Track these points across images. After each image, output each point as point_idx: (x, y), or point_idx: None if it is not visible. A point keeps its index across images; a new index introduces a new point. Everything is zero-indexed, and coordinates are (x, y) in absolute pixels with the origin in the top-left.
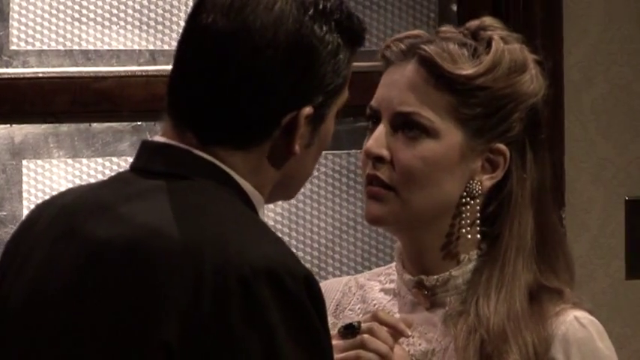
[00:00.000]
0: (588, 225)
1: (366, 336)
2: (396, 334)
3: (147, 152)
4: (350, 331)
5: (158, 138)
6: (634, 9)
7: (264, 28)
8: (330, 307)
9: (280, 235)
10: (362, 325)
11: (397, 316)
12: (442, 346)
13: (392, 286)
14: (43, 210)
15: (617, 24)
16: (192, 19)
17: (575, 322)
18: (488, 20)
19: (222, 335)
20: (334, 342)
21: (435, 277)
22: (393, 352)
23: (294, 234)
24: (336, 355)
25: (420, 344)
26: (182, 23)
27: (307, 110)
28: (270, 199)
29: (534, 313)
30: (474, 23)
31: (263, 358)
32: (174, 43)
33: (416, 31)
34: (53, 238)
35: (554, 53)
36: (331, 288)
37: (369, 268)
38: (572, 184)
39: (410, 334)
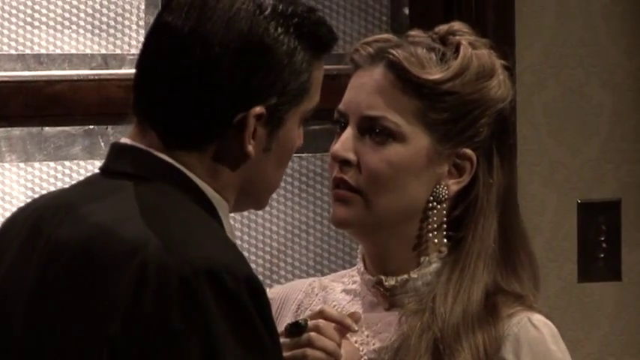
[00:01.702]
0: (541, 228)
1: (312, 334)
2: (344, 329)
3: (113, 153)
4: (297, 329)
5: (124, 139)
6: (586, 12)
7: (216, 27)
8: (292, 307)
9: None
10: (309, 322)
11: None
12: (395, 345)
13: (354, 287)
14: (18, 214)
15: (569, 27)
16: (157, 18)
17: (527, 324)
18: (457, 25)
19: (163, 333)
20: (281, 340)
21: (394, 278)
22: (341, 347)
23: (245, 237)
24: (283, 354)
25: (373, 343)
26: (134, 27)
27: (258, 110)
28: (237, 206)
29: (488, 314)
30: (442, 28)
31: (202, 357)
32: (127, 47)
33: (385, 35)
34: (23, 239)
35: (507, 56)
36: (294, 288)
37: (321, 272)
38: (525, 187)
39: (356, 328)
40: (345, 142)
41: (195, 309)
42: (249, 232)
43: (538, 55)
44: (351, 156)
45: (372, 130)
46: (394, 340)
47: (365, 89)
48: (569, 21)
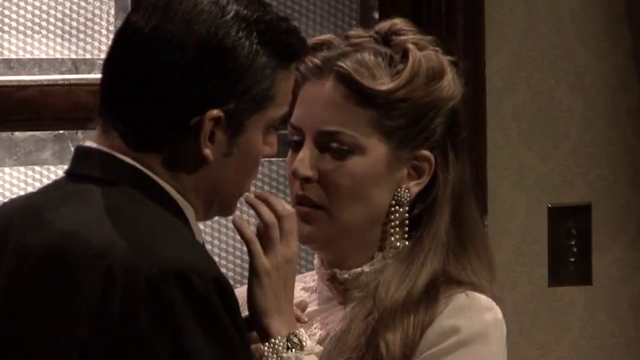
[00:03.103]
0: (510, 232)
1: None
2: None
3: (77, 157)
4: None
5: (88, 142)
6: (555, 16)
7: (177, 29)
8: None
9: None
10: None
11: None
12: (339, 333)
13: (312, 284)
14: None
15: (538, 31)
16: (125, 18)
17: (462, 294)
18: (399, 23)
19: (131, 335)
20: None
21: (347, 271)
22: None
23: (216, 242)
24: None
25: (320, 334)
26: (104, 32)
27: (214, 113)
28: (205, 214)
29: (428, 299)
30: (384, 26)
31: (172, 358)
32: (97, 52)
33: (324, 37)
34: None
35: (476, 60)
36: None
37: None
38: (495, 191)
39: (306, 320)
40: (304, 160)
41: (164, 310)
42: (219, 235)
43: (507, 59)
44: (312, 173)
45: (331, 145)
46: (339, 329)
47: (317, 104)
48: (539, 25)
